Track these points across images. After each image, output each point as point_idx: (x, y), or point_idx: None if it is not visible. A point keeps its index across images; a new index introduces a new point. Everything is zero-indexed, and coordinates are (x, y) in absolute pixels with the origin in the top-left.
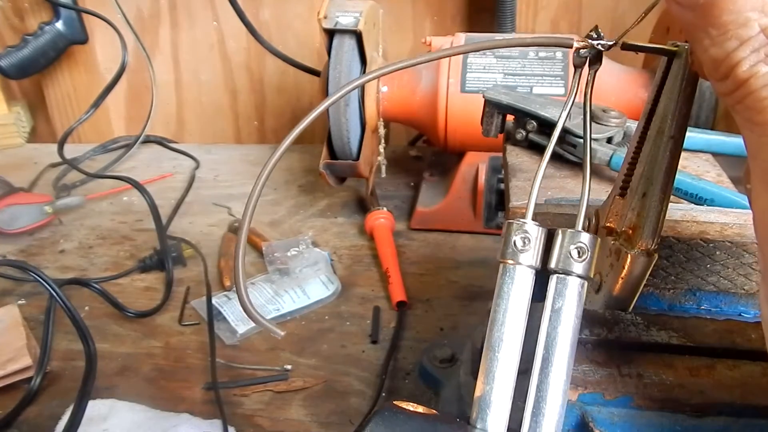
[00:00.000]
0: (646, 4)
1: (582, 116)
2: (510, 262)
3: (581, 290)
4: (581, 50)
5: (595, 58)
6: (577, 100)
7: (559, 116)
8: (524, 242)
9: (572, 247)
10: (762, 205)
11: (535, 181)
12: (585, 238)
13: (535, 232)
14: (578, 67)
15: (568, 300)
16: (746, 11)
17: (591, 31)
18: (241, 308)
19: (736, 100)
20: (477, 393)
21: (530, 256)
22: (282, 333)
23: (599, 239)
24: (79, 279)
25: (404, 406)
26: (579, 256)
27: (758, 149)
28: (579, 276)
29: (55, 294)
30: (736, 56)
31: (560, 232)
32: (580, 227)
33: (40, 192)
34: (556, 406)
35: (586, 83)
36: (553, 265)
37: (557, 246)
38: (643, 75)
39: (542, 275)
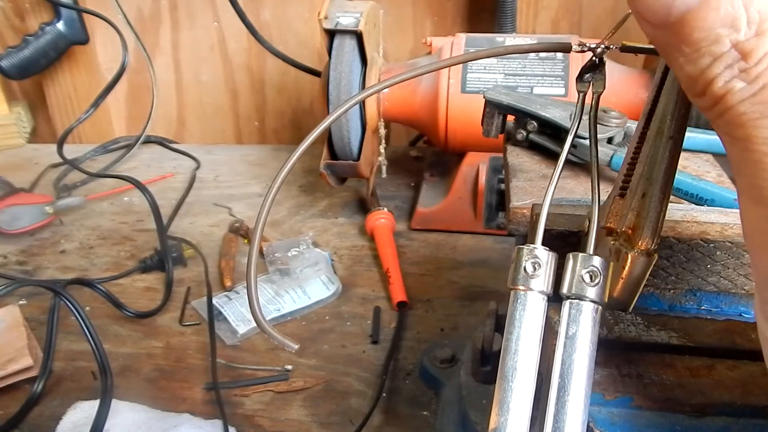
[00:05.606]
0: None
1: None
2: (521, 288)
3: (595, 315)
4: (585, 75)
5: (599, 83)
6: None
7: (566, 140)
8: (535, 267)
9: (584, 271)
10: (750, 220)
11: (543, 205)
12: (597, 261)
13: (545, 257)
14: (581, 92)
15: (583, 326)
16: (716, 28)
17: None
18: (251, 315)
19: (715, 115)
20: (491, 425)
21: (541, 282)
22: (296, 346)
23: (611, 263)
24: (82, 279)
25: None
26: (591, 281)
27: (741, 164)
28: (592, 301)
29: (63, 297)
30: (710, 73)
31: (571, 256)
32: (591, 251)
33: (41, 192)
34: None
35: (591, 108)
36: (565, 290)
37: (569, 270)
38: (643, 75)
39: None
